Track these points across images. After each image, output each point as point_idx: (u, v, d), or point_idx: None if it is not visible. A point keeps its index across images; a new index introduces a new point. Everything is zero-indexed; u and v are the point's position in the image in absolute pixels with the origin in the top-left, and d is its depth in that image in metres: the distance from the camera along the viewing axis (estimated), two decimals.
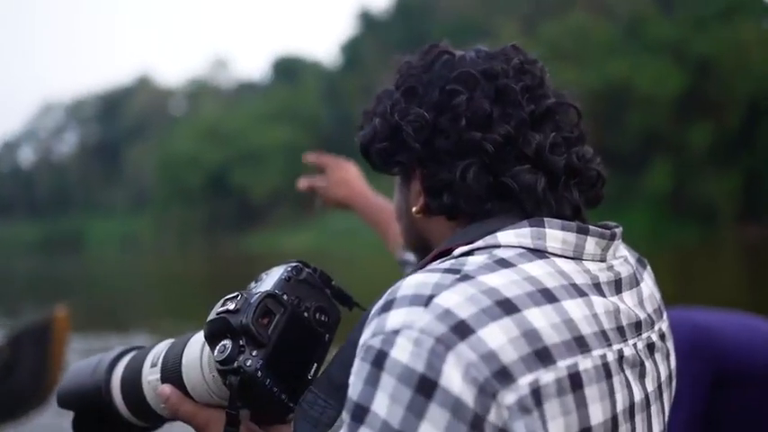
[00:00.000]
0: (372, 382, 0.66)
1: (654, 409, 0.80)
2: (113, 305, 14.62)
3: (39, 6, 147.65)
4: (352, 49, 45.37)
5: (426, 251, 0.86)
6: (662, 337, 0.85)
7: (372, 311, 0.71)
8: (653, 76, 27.10)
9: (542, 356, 0.67)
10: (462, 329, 0.66)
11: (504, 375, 0.65)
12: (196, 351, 0.84)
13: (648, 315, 0.83)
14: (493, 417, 0.64)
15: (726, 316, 1.81)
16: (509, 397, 0.65)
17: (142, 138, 52.00)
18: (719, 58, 26.84)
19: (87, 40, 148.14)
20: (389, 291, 0.71)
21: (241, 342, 0.77)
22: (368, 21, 46.00)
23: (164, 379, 0.86)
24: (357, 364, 0.68)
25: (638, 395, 0.77)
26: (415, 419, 0.64)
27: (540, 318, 0.69)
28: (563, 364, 0.68)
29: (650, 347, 0.81)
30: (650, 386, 0.79)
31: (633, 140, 27.25)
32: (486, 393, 0.64)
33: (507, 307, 0.68)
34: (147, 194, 47.34)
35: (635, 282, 0.85)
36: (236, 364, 0.76)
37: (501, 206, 0.80)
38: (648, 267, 0.92)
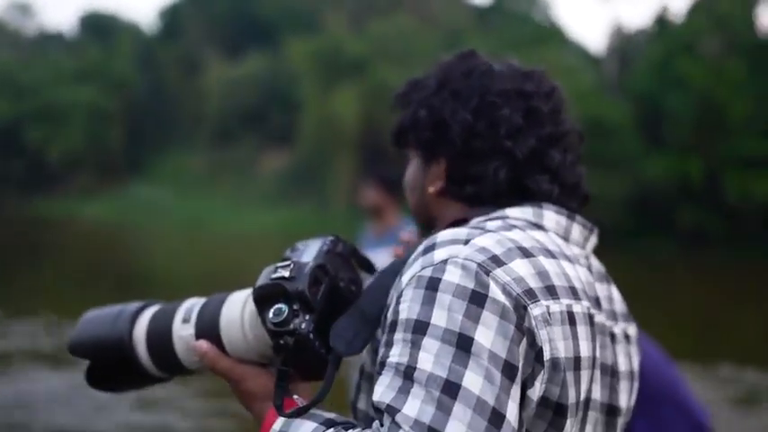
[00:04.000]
0: (429, 302, 0.79)
1: (622, 385, 0.96)
2: None
3: None
4: (172, 17, 43.40)
5: (430, 224, 1.01)
6: (626, 337, 1.00)
7: (413, 256, 0.85)
8: None
9: (551, 291, 0.84)
10: (497, 260, 0.82)
11: (530, 294, 0.82)
12: (236, 310, 0.90)
13: (614, 311, 0.99)
14: (527, 323, 0.80)
15: None
16: (536, 310, 0.81)
17: None
18: None
19: None
20: (425, 241, 0.86)
21: (295, 307, 0.85)
22: None
23: (199, 334, 0.91)
24: (409, 293, 0.81)
25: (609, 358, 0.93)
26: (472, 323, 0.77)
27: (547, 264, 0.86)
28: (564, 302, 0.85)
29: (611, 336, 0.95)
30: (620, 365, 0.95)
31: None
32: (519, 305, 0.80)
33: (525, 252, 0.85)
34: None
35: (606, 279, 1.01)
36: (291, 326, 0.84)
37: (514, 203, 0.95)
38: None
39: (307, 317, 0.85)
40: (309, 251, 0.91)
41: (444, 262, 0.81)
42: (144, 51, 40.73)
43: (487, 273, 0.80)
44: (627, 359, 0.98)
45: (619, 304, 1.02)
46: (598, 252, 1.02)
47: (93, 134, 36.98)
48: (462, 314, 0.78)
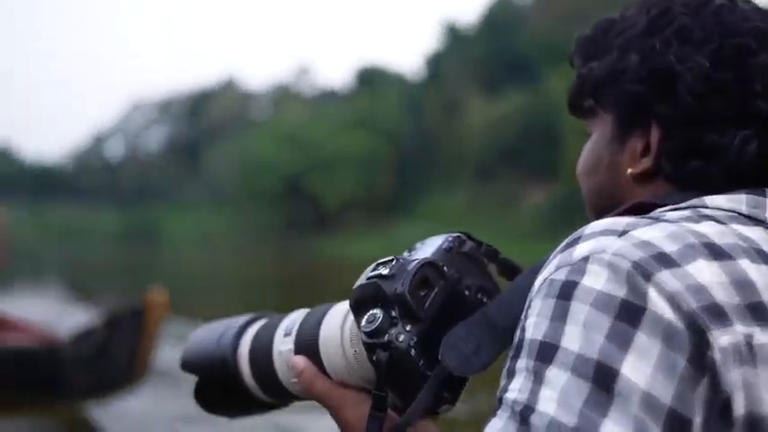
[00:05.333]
0: (560, 316, 0.57)
1: None
2: (192, 296, 14.91)
3: (134, 7, 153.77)
4: (436, 63, 45.42)
5: None
6: None
7: (554, 252, 0.62)
8: None
9: (758, 312, 0.56)
10: (664, 259, 0.57)
11: (716, 312, 0.55)
12: (336, 322, 0.75)
13: None
14: (709, 355, 0.54)
15: None
16: (723, 338, 0.54)
17: (223, 139, 53.30)
18: None
19: (179, 41, 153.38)
20: (573, 234, 0.62)
21: (393, 313, 0.67)
22: (453, 35, 45.96)
23: (297, 350, 0.76)
24: (538, 303, 0.59)
25: None
26: (618, 350, 0.54)
27: (755, 272, 0.58)
28: None
29: None
30: None
31: None
32: (696, 327, 0.54)
33: (716, 251, 0.58)
34: (224, 194, 48.47)
35: None
36: (386, 338, 0.66)
37: (746, 189, 0.68)
38: None
39: (408, 327, 0.66)
40: (425, 249, 0.72)
41: (585, 260, 0.58)
42: (409, 98, 43.13)
43: (648, 277, 0.55)
44: None
45: None
46: None
47: (365, 179, 39.87)
48: (605, 335, 0.55)
